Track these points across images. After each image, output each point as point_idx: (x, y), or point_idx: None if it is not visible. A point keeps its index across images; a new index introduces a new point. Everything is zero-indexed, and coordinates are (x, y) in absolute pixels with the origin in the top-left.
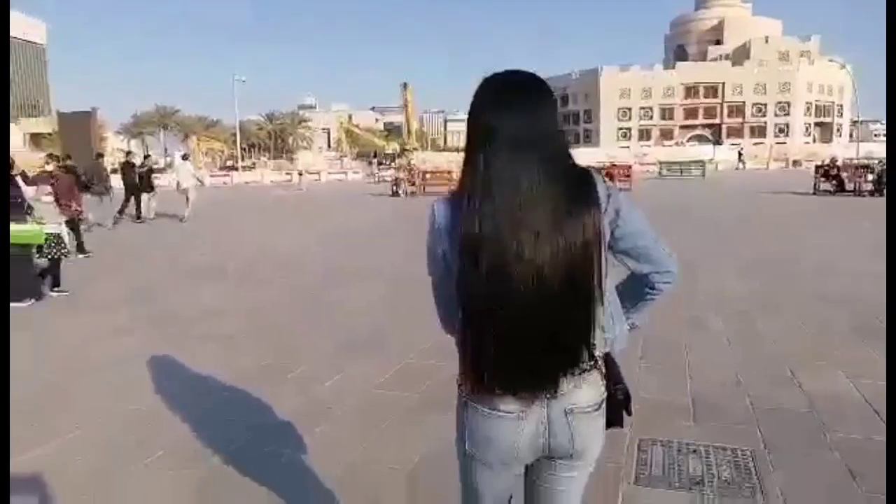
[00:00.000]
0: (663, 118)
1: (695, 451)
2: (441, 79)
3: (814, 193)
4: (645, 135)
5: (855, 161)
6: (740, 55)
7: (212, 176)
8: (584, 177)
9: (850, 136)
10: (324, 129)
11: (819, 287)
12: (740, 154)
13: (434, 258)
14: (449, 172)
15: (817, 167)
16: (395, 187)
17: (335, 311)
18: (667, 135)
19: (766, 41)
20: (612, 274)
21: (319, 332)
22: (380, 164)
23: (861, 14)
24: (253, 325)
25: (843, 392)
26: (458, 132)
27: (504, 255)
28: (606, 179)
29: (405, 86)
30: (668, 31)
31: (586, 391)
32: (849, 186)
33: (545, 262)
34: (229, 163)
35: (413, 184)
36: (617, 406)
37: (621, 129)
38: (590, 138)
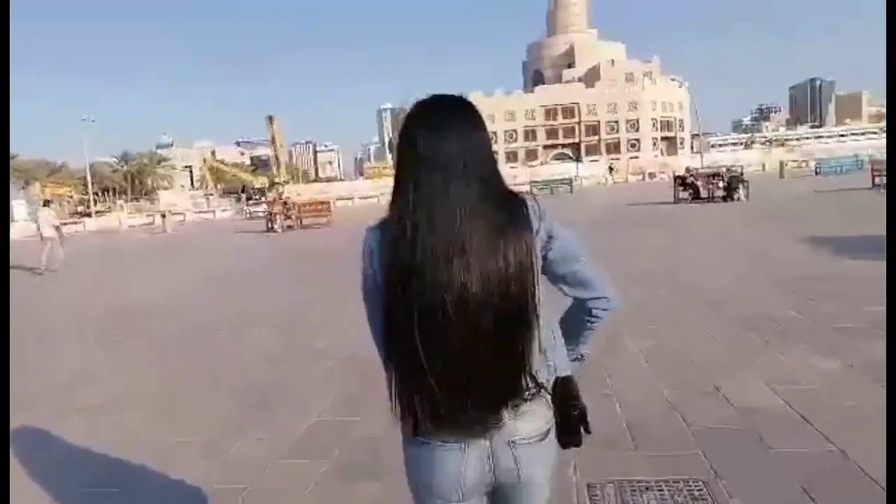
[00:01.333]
0: (527, 139)
1: (647, 488)
2: (308, 109)
3: (675, 202)
4: (512, 157)
5: (704, 170)
6: (592, 77)
7: (62, 224)
8: (516, 200)
9: (692, 148)
10: (185, 167)
11: (710, 296)
12: (611, 168)
13: (367, 286)
14: (325, 203)
15: (676, 177)
16: (269, 222)
17: (223, 364)
18: (531, 155)
19: (613, 64)
20: (550, 300)
21: (208, 391)
22: (249, 199)
23: (691, 36)
24: (131, 390)
25: (768, 402)
26: (329, 163)
27: (437, 282)
28: (538, 203)
29: (271, 119)
30: (526, 56)
31: (529, 421)
32: (703, 194)
33: (480, 288)
34: (80, 208)
35: (289, 217)
36: (574, 424)
37: None
38: None
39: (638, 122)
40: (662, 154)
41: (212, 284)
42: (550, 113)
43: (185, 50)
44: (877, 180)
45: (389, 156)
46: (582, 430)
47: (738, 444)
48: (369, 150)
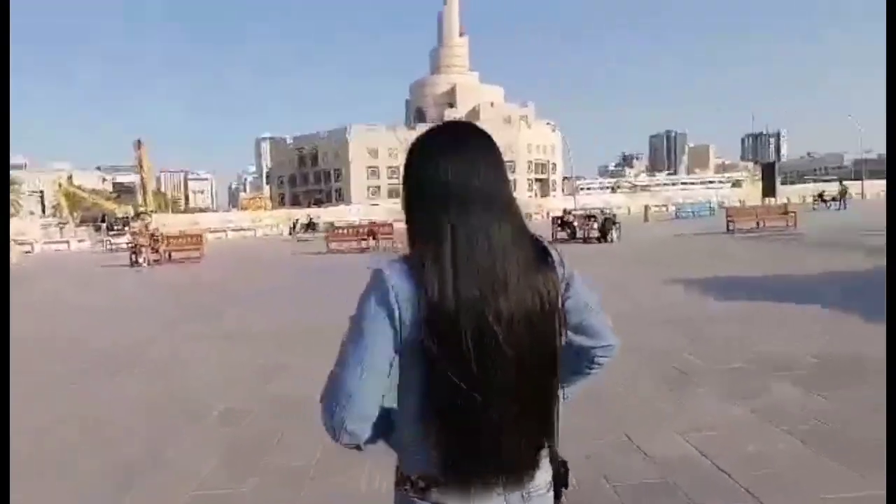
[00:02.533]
0: None
1: None
2: (179, 135)
3: (553, 241)
4: (395, 193)
5: (579, 212)
6: (472, 118)
7: None
8: (540, 242)
9: (563, 190)
10: (32, 192)
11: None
12: None
13: (379, 336)
14: (196, 236)
15: (554, 218)
16: (134, 255)
17: (80, 421)
18: None
19: (492, 106)
20: None
21: (59, 456)
22: (110, 229)
23: (563, 83)
24: None
25: (683, 453)
26: (200, 192)
27: (486, 316)
28: (558, 250)
29: (139, 143)
30: (409, 94)
31: (542, 471)
32: (579, 234)
33: (524, 328)
34: None
35: (156, 251)
36: (559, 482)
37: (371, 187)
38: (341, 196)
39: (514, 163)
40: (536, 195)
41: (65, 326)
42: None
43: (46, 65)
44: (731, 226)
45: (266, 187)
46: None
47: (659, 498)
48: (245, 180)
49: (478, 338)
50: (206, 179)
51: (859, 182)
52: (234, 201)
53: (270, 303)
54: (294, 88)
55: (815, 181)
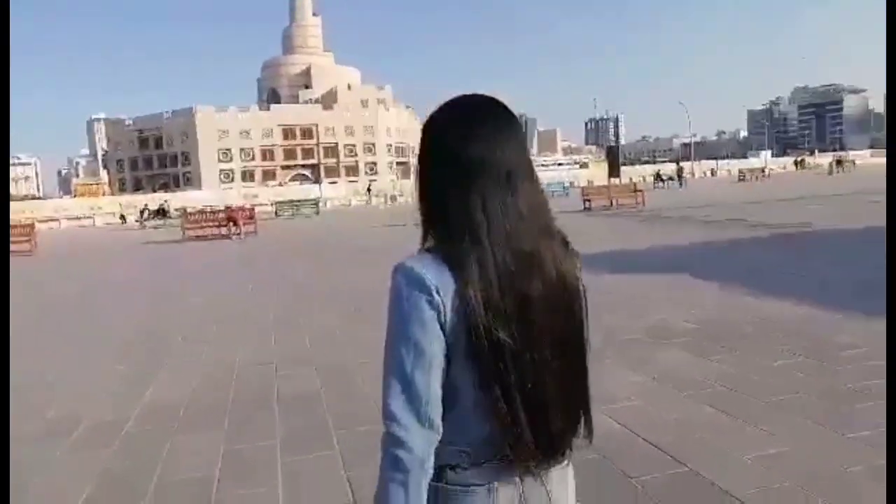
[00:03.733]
0: (265, 159)
1: None
2: None
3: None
4: (248, 176)
5: None
6: (329, 100)
7: None
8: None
9: None
10: None
11: None
12: (369, 189)
13: (429, 338)
14: (26, 227)
15: None
16: None
17: None
18: (269, 175)
19: (349, 88)
20: None
21: None
22: None
23: (420, 69)
24: None
25: (603, 424)
26: (24, 178)
27: (525, 300)
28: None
29: None
30: (261, 73)
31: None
32: None
33: (558, 305)
34: None
35: None
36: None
37: (223, 170)
38: (190, 181)
39: (374, 146)
40: (398, 178)
41: None
42: (288, 133)
43: None
44: (587, 204)
45: (103, 171)
46: None
47: (598, 475)
48: (78, 164)
49: (519, 315)
50: (30, 164)
51: (689, 163)
52: (65, 187)
53: (128, 299)
54: (131, 67)
55: (651, 162)
